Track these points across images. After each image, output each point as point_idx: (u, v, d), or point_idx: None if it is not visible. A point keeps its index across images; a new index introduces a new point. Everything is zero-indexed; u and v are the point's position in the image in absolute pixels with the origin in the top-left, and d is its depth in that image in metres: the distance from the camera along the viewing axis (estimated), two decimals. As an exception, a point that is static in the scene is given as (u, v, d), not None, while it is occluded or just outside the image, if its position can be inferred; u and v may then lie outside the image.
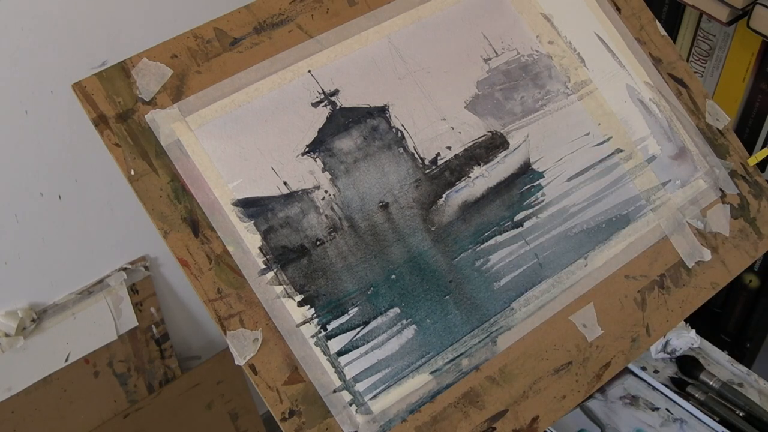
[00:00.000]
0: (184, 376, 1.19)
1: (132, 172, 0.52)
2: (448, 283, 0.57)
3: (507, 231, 0.59)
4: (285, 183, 0.55)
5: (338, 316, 0.54)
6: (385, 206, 0.57)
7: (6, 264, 1.00)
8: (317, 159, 0.56)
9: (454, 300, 0.57)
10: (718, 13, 0.89)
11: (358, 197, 0.56)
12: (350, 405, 0.53)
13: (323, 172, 0.56)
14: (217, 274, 0.52)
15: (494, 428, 0.55)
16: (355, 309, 0.54)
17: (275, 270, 0.53)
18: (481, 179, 0.60)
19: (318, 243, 0.55)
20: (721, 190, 0.68)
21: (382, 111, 0.59)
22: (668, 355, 0.91)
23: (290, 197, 0.55)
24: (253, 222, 0.54)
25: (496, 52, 0.63)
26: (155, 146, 0.53)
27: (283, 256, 0.54)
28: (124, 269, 1.11)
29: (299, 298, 0.53)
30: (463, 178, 0.59)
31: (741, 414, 0.83)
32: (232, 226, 0.53)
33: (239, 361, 0.51)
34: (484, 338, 0.57)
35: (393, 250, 0.56)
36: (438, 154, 0.59)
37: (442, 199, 0.58)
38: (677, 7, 0.99)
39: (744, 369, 0.90)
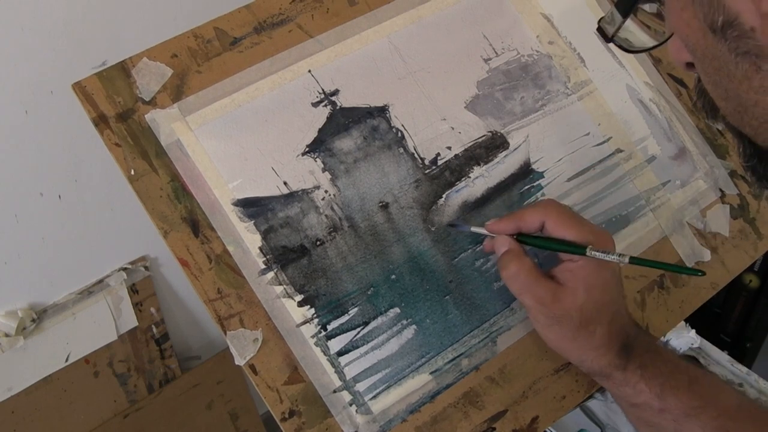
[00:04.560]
0: (184, 376, 1.19)
1: (132, 172, 0.52)
2: (448, 283, 0.57)
3: (507, 231, 0.59)
4: (285, 183, 0.55)
5: (338, 317, 0.54)
6: (385, 206, 0.57)
7: (6, 264, 0.99)
8: (317, 159, 0.56)
9: (454, 300, 0.57)
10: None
11: (358, 197, 0.56)
12: (350, 405, 0.53)
13: (323, 172, 0.56)
14: (217, 274, 0.52)
15: (494, 428, 0.55)
16: (355, 309, 0.54)
17: (275, 270, 0.53)
18: (481, 179, 0.60)
19: (318, 243, 0.55)
20: (720, 190, 0.68)
21: (382, 111, 0.59)
22: (668, 355, 0.91)
23: (290, 197, 0.55)
24: (253, 222, 0.54)
25: (496, 52, 0.63)
26: (155, 146, 0.53)
27: (283, 256, 0.54)
28: (124, 269, 1.11)
29: (299, 298, 0.53)
30: (463, 178, 0.59)
31: (741, 414, 0.83)
32: (232, 226, 0.53)
33: (239, 361, 0.51)
34: (484, 338, 0.57)
35: (393, 250, 0.56)
36: (438, 154, 0.59)
37: (442, 199, 0.58)
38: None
39: (744, 369, 0.89)
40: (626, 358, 0.52)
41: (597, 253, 0.51)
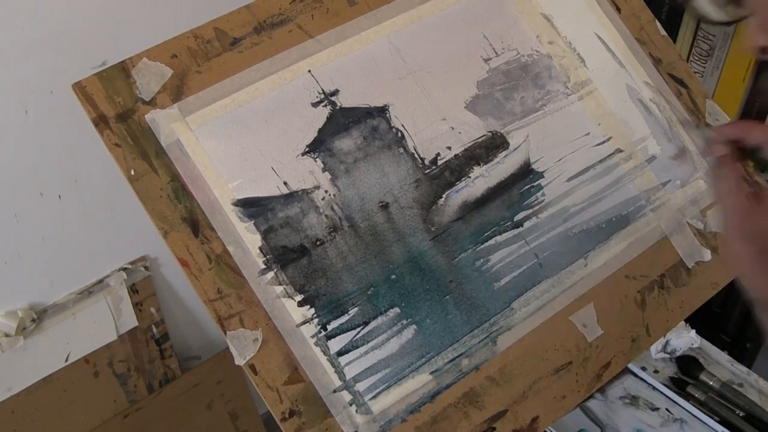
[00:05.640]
0: (184, 376, 1.19)
1: (132, 172, 0.52)
2: (448, 283, 0.57)
3: (507, 231, 0.59)
4: (285, 183, 0.55)
5: (338, 316, 0.54)
6: (385, 206, 0.57)
7: (6, 264, 0.99)
8: (317, 159, 0.56)
9: (454, 300, 0.57)
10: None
11: (358, 197, 0.56)
12: (350, 405, 0.53)
13: (323, 172, 0.56)
14: (217, 274, 0.52)
15: (494, 428, 0.55)
16: (355, 309, 0.54)
17: (275, 270, 0.53)
18: (481, 179, 0.60)
19: (318, 243, 0.55)
20: (721, 190, 0.68)
21: (382, 111, 0.59)
22: (668, 355, 0.91)
23: (290, 197, 0.55)
24: (253, 222, 0.54)
25: (496, 52, 0.63)
26: (155, 146, 0.53)
27: (283, 256, 0.54)
28: (124, 269, 1.11)
29: (299, 298, 0.53)
30: (463, 178, 0.59)
31: (741, 414, 0.83)
32: (232, 226, 0.53)
33: (239, 361, 0.51)
34: (484, 338, 0.57)
35: (393, 250, 0.56)
36: (438, 154, 0.59)
37: (442, 199, 0.58)
38: (677, 7, 0.99)
39: (744, 369, 0.90)
40: None
41: None
